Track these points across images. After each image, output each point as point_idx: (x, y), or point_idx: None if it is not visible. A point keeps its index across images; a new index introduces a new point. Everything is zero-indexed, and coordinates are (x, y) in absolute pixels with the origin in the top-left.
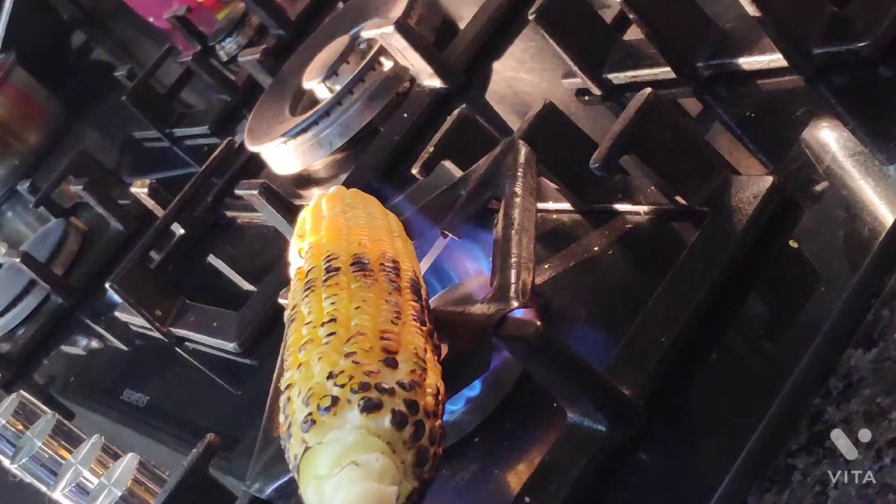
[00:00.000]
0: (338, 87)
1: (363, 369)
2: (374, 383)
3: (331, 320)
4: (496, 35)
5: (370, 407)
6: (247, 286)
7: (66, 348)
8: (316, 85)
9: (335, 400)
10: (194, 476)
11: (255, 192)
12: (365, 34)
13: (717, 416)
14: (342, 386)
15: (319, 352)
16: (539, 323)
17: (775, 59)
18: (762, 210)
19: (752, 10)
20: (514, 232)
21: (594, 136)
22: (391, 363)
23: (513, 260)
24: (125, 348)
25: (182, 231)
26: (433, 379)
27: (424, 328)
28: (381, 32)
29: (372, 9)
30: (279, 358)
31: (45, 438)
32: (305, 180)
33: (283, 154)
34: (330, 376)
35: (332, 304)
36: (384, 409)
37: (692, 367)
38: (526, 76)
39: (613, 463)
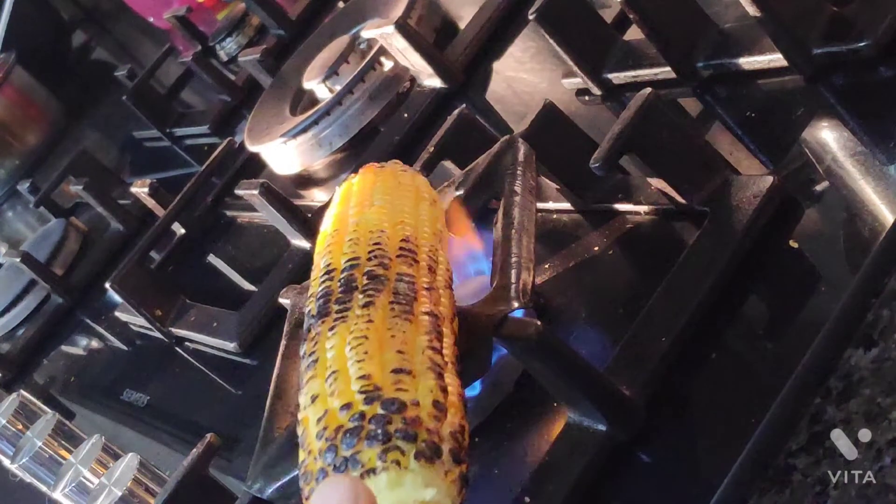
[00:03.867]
0: (338, 87)
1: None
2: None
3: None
4: (496, 35)
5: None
6: (247, 286)
7: (66, 348)
8: (316, 85)
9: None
10: (194, 476)
11: (255, 192)
12: (365, 34)
13: (717, 417)
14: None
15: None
16: (539, 323)
17: (775, 59)
18: (762, 210)
19: (752, 10)
20: (514, 231)
21: (594, 136)
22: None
23: (513, 260)
24: (125, 348)
25: (182, 231)
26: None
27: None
28: (381, 32)
29: (372, 9)
30: (279, 358)
31: (45, 438)
32: (305, 180)
33: (283, 154)
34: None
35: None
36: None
37: (692, 367)
38: (526, 76)
39: (613, 463)
